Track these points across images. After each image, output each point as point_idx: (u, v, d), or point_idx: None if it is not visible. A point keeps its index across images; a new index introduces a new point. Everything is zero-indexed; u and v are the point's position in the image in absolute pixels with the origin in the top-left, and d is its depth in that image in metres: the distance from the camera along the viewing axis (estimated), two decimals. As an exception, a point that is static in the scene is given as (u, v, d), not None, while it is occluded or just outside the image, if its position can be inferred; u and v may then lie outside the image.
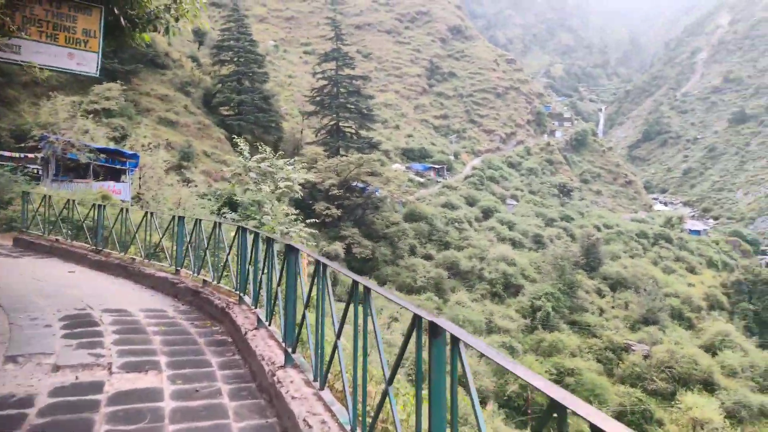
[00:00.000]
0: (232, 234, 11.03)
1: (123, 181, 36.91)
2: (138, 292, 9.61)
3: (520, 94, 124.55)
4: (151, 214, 10.48)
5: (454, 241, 64.39)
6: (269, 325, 5.69)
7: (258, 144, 30.41)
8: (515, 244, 68.92)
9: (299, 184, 27.77)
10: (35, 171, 37.24)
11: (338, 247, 53.29)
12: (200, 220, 9.27)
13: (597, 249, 62.26)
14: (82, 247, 11.76)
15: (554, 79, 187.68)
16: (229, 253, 8.28)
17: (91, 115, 37.39)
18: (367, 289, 3.34)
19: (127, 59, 57.22)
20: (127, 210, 10.95)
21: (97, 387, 5.09)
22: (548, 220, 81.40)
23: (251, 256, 7.09)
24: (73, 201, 12.00)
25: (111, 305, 8.35)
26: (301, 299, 4.56)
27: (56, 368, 5.57)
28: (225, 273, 8.59)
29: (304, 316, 4.31)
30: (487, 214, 78.15)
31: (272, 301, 5.65)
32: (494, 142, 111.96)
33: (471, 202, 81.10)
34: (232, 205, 31.14)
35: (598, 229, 76.20)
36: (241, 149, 26.72)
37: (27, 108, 44.41)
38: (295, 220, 27.27)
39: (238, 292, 7.66)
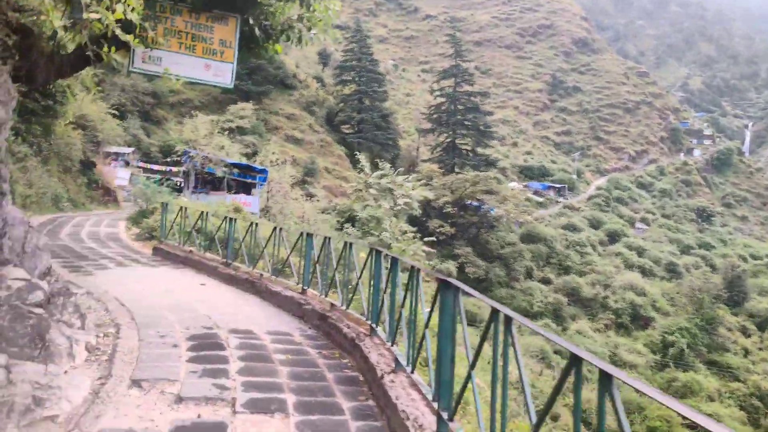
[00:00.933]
0: (362, 255, 10.42)
1: (253, 195, 38.53)
2: (264, 310, 9.23)
3: (653, 109, 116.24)
4: (279, 229, 10.14)
5: (576, 265, 60.76)
6: (412, 371, 4.81)
7: (378, 160, 30.32)
8: (645, 272, 63.57)
9: (417, 201, 27.11)
10: (178, 183, 40.08)
11: (451, 266, 52.11)
12: (329, 238, 8.70)
13: (743, 282, 55.48)
14: (214, 259, 11.76)
15: (692, 93, 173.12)
16: (360, 277, 7.58)
17: (227, 132, 39.55)
18: (577, 358, 2.28)
19: (260, 80, 60.52)
20: (256, 224, 10.74)
21: (219, 430, 4.48)
22: (684, 247, 74.43)
23: (387, 284, 6.31)
24: (206, 213, 12.14)
25: (238, 325, 7.96)
26: (458, 351, 3.64)
27: (179, 400, 5.08)
28: (355, 296, 7.91)
29: (469, 377, 3.37)
30: (613, 238, 73.12)
31: (414, 342, 4.78)
32: (622, 161, 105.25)
33: (595, 225, 76.22)
34: (351, 220, 31.32)
35: (744, 260, 68.21)
36: (362, 165, 26.63)
37: (173, 126, 47.88)
38: (413, 237, 26.64)
39: (369, 323, 6.90)
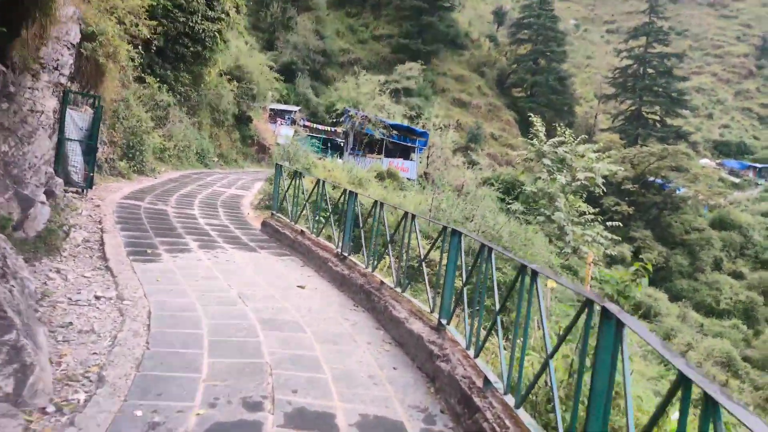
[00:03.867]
0: (551, 284, 6.08)
1: (411, 159, 35.37)
2: (374, 352, 5.40)
3: None
4: (412, 217, 6.18)
5: (776, 260, 49.37)
6: None
7: (557, 124, 24.89)
8: None
9: (602, 177, 21.48)
10: (341, 144, 38.24)
11: (625, 250, 44.90)
12: (489, 249, 4.53)
13: None
14: (327, 248, 8.22)
15: None
16: (554, 350, 3.36)
17: (387, 92, 36.53)
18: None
19: (429, 39, 56.67)
20: (381, 204, 6.89)
21: None
22: None
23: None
24: (323, 182, 8.55)
25: (311, 395, 4.22)
26: None
27: None
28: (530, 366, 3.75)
29: None
30: (830, 230, 58.46)
31: None
32: None
33: (806, 213, 61.65)
34: (515, 193, 26.76)
35: None
36: (536, 130, 21.54)
37: (340, 86, 46.24)
38: (593, 220, 21.19)
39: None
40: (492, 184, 26.80)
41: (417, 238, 6.19)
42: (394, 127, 32.95)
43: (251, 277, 7.03)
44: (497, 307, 4.21)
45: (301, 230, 8.90)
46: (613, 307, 2.81)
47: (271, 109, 37.47)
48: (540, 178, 21.18)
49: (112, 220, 8.76)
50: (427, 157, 36.54)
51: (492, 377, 4.11)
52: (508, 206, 21.20)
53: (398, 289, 6.25)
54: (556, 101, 58.69)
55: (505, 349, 4.20)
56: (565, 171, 20.71)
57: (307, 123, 40.63)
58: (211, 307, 5.67)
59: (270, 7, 47.85)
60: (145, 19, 14.88)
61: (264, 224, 10.19)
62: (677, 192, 50.04)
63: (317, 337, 5.41)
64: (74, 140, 9.87)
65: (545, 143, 21.28)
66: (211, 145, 20.89)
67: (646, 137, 57.40)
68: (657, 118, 60.15)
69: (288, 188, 9.83)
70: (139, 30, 14.32)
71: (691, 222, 49.79)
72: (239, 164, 23.40)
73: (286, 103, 40.65)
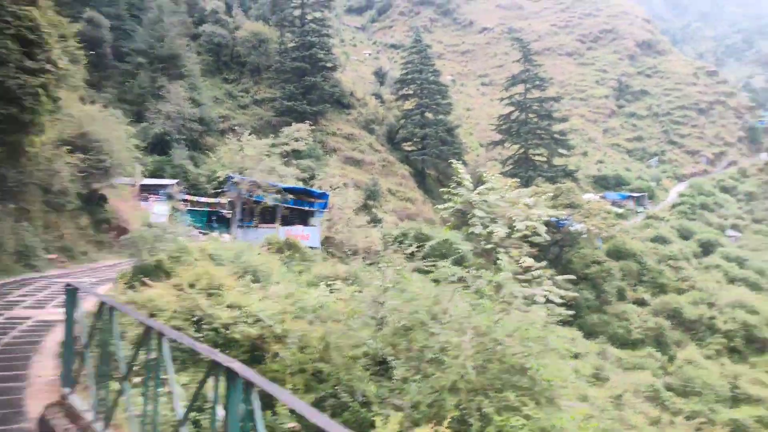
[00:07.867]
0: None
1: (312, 225, 31.02)
2: None
3: (727, 108, 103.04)
4: None
5: (671, 282, 49.95)
6: None
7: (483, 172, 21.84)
8: (752, 285, 51.90)
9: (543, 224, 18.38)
10: (227, 216, 33.04)
11: (537, 291, 42.88)
12: None
13: None
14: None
15: (757, 92, 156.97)
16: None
17: (277, 155, 32.28)
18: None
19: (315, 100, 53.73)
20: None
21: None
22: (792, 254, 61.83)
23: None
24: (156, 332, 3.13)
25: None
26: None
27: None
28: None
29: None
30: (706, 248, 61.56)
31: None
32: (700, 164, 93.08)
33: (685, 235, 64.84)
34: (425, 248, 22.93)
35: None
36: (461, 178, 18.12)
37: (221, 151, 41.40)
38: (539, 276, 17.81)
39: None
40: (401, 241, 22.75)
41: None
42: (289, 190, 28.59)
43: None
44: None
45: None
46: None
47: (142, 185, 31.62)
48: (472, 232, 17.65)
49: None
50: (328, 220, 32.37)
51: None
52: (440, 269, 17.26)
53: None
54: (447, 152, 57.75)
55: None
56: (500, 222, 17.38)
57: (186, 196, 34.96)
58: None
59: (137, 78, 42.36)
60: None
61: (42, 421, 4.45)
62: (572, 228, 49.86)
63: None
64: None
65: (472, 191, 17.95)
66: (43, 239, 15.03)
67: (535, 178, 57.83)
68: (543, 159, 61.17)
69: (92, 336, 4.39)
70: None
71: (590, 255, 49.43)
72: (90, 257, 17.53)
73: (160, 177, 34.88)
